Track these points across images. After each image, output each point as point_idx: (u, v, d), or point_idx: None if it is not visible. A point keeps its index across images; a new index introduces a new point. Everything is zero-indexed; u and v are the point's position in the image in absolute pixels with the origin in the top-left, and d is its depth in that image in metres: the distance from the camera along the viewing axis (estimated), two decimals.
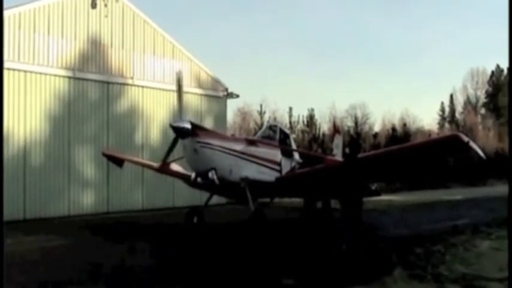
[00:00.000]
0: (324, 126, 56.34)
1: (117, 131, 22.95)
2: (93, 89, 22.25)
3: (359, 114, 65.81)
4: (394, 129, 54.47)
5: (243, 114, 58.81)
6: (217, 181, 14.38)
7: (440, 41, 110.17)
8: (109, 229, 17.84)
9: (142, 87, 23.96)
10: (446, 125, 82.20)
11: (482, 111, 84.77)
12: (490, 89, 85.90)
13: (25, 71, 20.00)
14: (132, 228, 18.14)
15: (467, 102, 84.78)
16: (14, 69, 19.29)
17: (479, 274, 10.31)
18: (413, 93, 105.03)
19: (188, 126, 13.96)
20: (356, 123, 59.85)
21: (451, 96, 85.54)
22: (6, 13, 18.52)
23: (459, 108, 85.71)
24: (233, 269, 10.96)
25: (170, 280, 9.83)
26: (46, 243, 14.37)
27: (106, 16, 22.33)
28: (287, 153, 17.41)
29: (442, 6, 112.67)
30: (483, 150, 13.30)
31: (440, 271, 10.62)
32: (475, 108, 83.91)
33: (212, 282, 9.75)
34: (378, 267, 10.87)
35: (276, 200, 19.57)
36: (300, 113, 59.36)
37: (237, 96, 28.04)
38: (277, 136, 17.24)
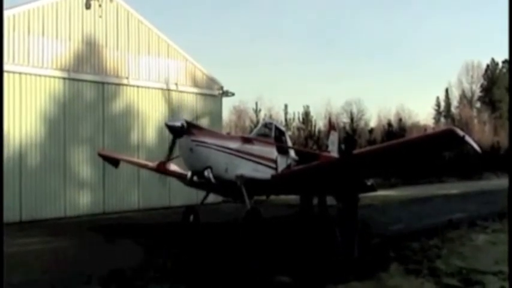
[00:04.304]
0: (320, 123, 56.41)
1: (113, 131, 22.90)
2: (88, 90, 22.20)
3: (354, 110, 65.98)
4: (389, 124, 54.43)
5: (239, 112, 58.83)
6: (213, 179, 14.40)
7: (435, 36, 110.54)
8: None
9: (138, 87, 23.92)
10: (442, 119, 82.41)
11: (478, 105, 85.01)
12: (485, 82, 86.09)
13: (20, 73, 19.94)
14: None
15: (463, 96, 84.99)
16: (8, 72, 19.18)
17: (476, 268, 10.38)
18: (408, 88, 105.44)
19: (184, 124, 14.00)
20: (352, 119, 59.84)
21: (447, 90, 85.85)
22: None
23: (454, 102, 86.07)
24: (228, 266, 11.01)
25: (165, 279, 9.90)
26: None
27: (100, 16, 22.30)
28: (283, 150, 17.45)
29: (437, 1, 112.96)
30: (478, 144, 13.31)
31: (437, 265, 10.69)
32: (470, 102, 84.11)
33: (207, 281, 9.82)
34: (374, 263, 10.92)
35: (272, 197, 19.61)
36: (296, 110, 59.43)
37: (233, 94, 28.02)
38: (273, 133, 17.27)
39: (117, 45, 23.25)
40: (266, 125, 17.98)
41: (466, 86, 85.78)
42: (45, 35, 20.89)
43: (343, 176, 13.20)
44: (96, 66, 22.53)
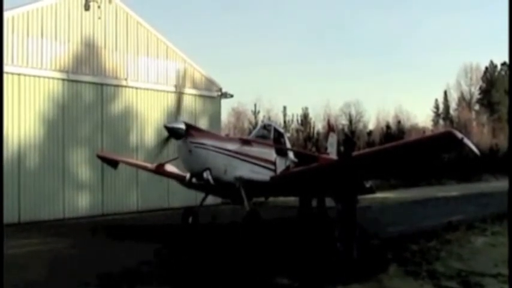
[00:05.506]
0: (319, 125, 56.32)
1: (112, 133, 22.87)
2: (87, 91, 22.18)
3: (353, 112, 66.04)
4: (388, 126, 54.39)
5: (237, 114, 58.81)
6: (212, 181, 14.40)
7: (434, 38, 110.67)
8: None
9: (137, 88, 23.90)
10: (441, 121, 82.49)
11: (476, 107, 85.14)
12: (484, 85, 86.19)
13: (19, 74, 19.94)
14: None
15: (461, 98, 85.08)
16: (7, 73, 19.14)
17: (474, 270, 10.36)
18: (407, 90, 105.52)
19: (182, 126, 13.98)
20: (350, 121, 59.89)
21: (445, 92, 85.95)
22: None
23: (453, 104, 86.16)
24: (228, 268, 11.00)
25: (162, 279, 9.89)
26: None
27: (99, 18, 22.31)
28: (281, 152, 17.43)
29: (436, 3, 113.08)
30: (477, 146, 13.30)
31: (436, 267, 10.67)
32: (469, 104, 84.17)
33: (207, 282, 9.80)
34: (373, 264, 10.90)
35: (271, 198, 19.57)
36: (295, 112, 59.40)
37: (231, 96, 28.02)
38: (272, 135, 17.25)
39: (116, 46, 23.24)
40: (265, 127, 17.97)
41: (465, 88, 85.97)
42: (44, 36, 20.88)
43: (342, 178, 13.18)
44: (95, 68, 22.51)
